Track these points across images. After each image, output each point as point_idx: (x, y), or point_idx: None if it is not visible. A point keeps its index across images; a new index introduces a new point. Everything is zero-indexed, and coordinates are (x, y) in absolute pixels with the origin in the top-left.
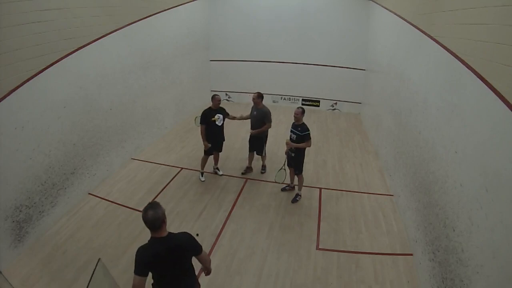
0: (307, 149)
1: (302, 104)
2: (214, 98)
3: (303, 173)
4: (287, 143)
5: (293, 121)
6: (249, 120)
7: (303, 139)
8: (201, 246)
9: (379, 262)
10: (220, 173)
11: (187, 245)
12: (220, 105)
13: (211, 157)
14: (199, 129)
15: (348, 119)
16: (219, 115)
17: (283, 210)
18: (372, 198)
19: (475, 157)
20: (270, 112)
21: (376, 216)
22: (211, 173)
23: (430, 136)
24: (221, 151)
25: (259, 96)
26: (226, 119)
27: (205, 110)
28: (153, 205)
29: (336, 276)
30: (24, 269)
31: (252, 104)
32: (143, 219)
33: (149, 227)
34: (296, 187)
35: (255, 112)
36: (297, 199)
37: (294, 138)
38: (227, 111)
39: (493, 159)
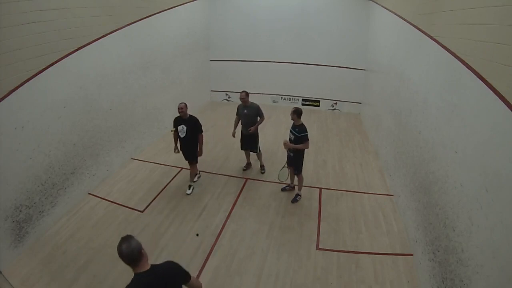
0: (307, 149)
1: (302, 104)
2: (178, 107)
3: (303, 173)
4: (284, 144)
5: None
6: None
7: (300, 140)
8: (189, 273)
9: (379, 262)
10: (189, 192)
11: (174, 275)
12: (192, 116)
13: (204, 163)
14: None
15: (348, 119)
16: (183, 126)
17: (283, 210)
18: (372, 198)
19: (475, 157)
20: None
21: (376, 216)
22: (211, 173)
23: (430, 136)
24: (192, 161)
25: (247, 94)
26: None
27: (176, 117)
28: (126, 238)
29: (336, 276)
30: (24, 269)
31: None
32: (118, 255)
33: (127, 263)
34: (296, 187)
35: (245, 111)
36: (297, 199)
37: (292, 139)
38: (200, 126)
39: (493, 159)
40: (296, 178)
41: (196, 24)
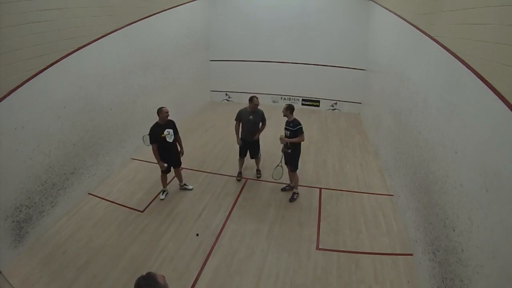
0: (307, 149)
1: (302, 104)
2: (161, 110)
3: (302, 172)
4: (281, 138)
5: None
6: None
7: (296, 134)
8: None
9: (379, 262)
10: (190, 187)
11: None
12: (170, 118)
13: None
14: (184, 139)
15: (348, 119)
16: (168, 130)
17: (283, 210)
18: (372, 198)
19: (475, 157)
20: None
21: (376, 216)
22: (211, 173)
23: (430, 136)
24: (180, 166)
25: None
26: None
27: (152, 127)
28: (148, 280)
29: (336, 276)
30: (24, 269)
31: (235, 111)
32: None
33: None
34: (295, 186)
35: (251, 117)
36: (295, 197)
37: (288, 135)
38: (176, 126)
39: (493, 159)
40: (293, 177)
41: (196, 24)
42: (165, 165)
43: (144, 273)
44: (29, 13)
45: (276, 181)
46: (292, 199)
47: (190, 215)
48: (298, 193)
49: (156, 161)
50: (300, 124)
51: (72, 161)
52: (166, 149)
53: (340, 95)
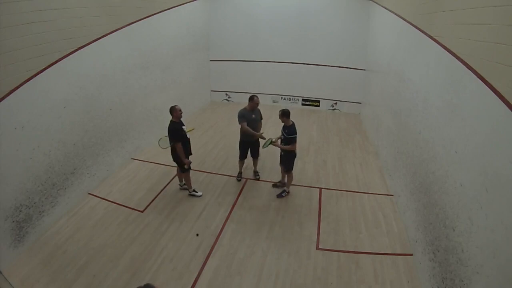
0: (307, 149)
1: (302, 104)
2: (175, 109)
3: (301, 171)
4: (274, 144)
5: None
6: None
7: (289, 141)
8: None
9: (379, 262)
10: (200, 193)
11: None
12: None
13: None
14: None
15: (348, 119)
16: (184, 127)
17: (283, 210)
18: (372, 198)
19: (475, 157)
20: None
21: (376, 216)
22: (211, 173)
23: (430, 136)
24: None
25: None
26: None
27: (175, 126)
28: None
29: (336, 276)
30: (24, 269)
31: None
32: None
33: None
34: (287, 185)
35: (253, 116)
36: (283, 195)
37: (283, 138)
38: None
39: (493, 159)
40: (286, 176)
41: (196, 24)
42: (190, 161)
43: (143, 284)
44: (29, 13)
45: (275, 182)
46: (280, 195)
47: (190, 215)
48: (288, 192)
49: (156, 162)
50: (295, 133)
51: (72, 161)
52: (186, 146)
53: (340, 95)
